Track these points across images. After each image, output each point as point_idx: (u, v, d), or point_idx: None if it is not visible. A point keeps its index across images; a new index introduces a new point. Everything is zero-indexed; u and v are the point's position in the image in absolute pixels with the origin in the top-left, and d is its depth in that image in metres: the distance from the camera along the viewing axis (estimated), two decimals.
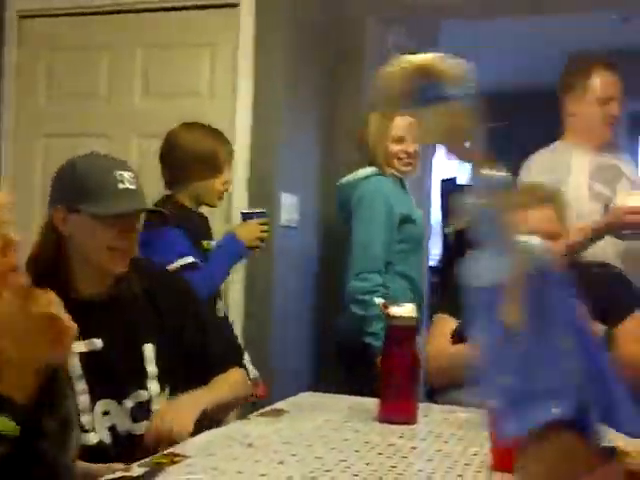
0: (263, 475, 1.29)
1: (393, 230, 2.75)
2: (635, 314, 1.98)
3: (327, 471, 1.33)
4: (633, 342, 1.88)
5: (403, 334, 1.68)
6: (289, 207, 3.17)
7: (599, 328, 1.78)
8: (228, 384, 1.74)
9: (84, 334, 1.57)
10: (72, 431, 1.17)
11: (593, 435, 0.72)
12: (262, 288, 3.11)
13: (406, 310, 1.70)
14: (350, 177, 2.91)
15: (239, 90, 3.10)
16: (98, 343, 1.60)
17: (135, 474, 1.10)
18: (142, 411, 1.62)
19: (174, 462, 1.35)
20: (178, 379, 1.71)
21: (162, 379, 1.66)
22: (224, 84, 3.13)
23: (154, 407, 1.63)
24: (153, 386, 1.64)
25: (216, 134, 2.50)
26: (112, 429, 1.59)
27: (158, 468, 1.16)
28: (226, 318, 2.58)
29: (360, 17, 3.53)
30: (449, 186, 5.83)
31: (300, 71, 3.29)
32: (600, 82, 2.66)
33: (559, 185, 2.52)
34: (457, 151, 0.68)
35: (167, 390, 1.67)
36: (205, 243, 2.47)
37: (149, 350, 1.66)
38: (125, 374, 1.62)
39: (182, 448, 1.43)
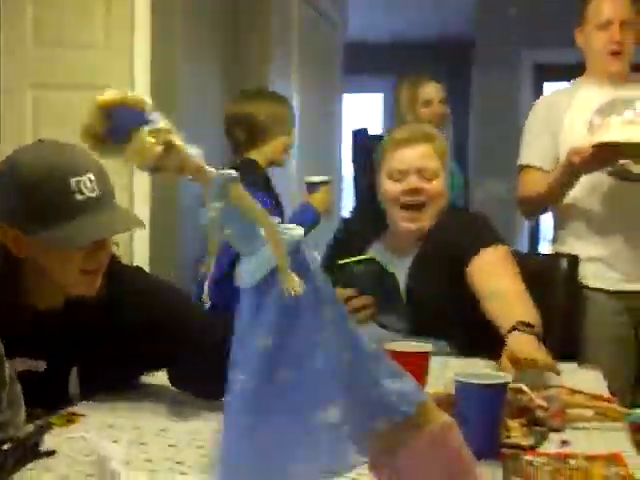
0: (162, 430, 1.27)
1: None
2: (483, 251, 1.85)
3: None
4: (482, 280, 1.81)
5: None
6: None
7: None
8: None
9: (29, 352, 1.40)
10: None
11: None
12: (167, 247, 3.04)
13: None
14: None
15: (136, 43, 2.98)
16: (41, 366, 1.42)
17: (22, 435, 1.06)
18: None
19: (70, 421, 1.31)
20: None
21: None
22: (120, 36, 3.01)
23: None
24: None
25: (280, 98, 2.85)
26: None
27: (46, 427, 1.12)
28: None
29: None
30: (361, 137, 5.83)
31: (200, 25, 3.20)
32: (595, 6, 2.31)
33: (557, 122, 2.30)
34: (177, 168, 0.69)
35: None
36: None
37: (75, 373, 1.46)
38: (52, 396, 1.43)
39: (80, 407, 1.39)
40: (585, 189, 2.23)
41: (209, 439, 1.21)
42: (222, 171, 0.70)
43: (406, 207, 1.91)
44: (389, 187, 1.93)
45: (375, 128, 6.67)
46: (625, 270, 2.25)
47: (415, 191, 1.90)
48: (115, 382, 1.49)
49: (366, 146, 5.52)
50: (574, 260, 2.18)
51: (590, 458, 1.14)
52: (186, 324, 1.45)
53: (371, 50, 6.24)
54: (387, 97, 7.15)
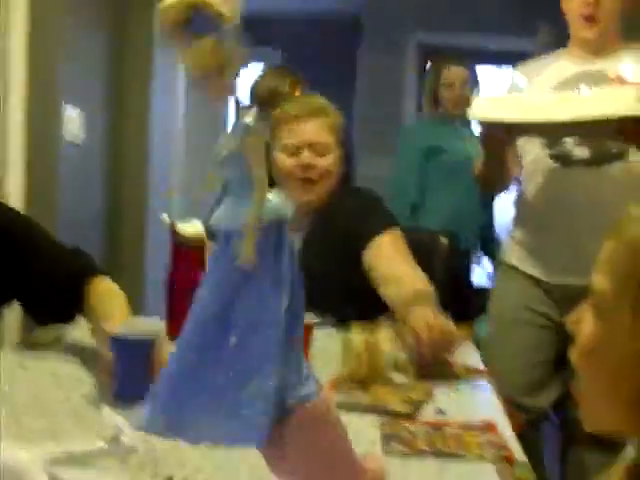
0: (39, 400, 1.23)
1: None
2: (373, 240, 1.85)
3: None
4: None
5: (191, 254, 1.64)
6: (73, 122, 3.00)
7: None
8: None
9: None
10: None
11: None
12: (45, 209, 2.93)
13: (193, 228, 1.65)
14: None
15: (11, 26, 2.80)
16: None
17: None
18: None
19: None
20: None
21: None
22: None
23: None
24: None
25: (279, 69, 2.86)
26: None
27: None
28: None
29: None
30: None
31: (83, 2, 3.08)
32: None
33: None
34: (216, 87, 0.72)
35: None
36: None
37: None
38: None
39: None
40: (527, 173, 2.13)
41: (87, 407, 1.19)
42: (248, 118, 0.71)
43: (300, 181, 1.92)
44: (283, 162, 1.93)
45: None
46: (553, 262, 2.10)
47: (308, 166, 1.91)
48: None
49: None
50: (453, 236, 2.24)
51: (465, 426, 1.19)
52: (37, 244, 1.58)
53: (261, 23, 6.19)
54: None
